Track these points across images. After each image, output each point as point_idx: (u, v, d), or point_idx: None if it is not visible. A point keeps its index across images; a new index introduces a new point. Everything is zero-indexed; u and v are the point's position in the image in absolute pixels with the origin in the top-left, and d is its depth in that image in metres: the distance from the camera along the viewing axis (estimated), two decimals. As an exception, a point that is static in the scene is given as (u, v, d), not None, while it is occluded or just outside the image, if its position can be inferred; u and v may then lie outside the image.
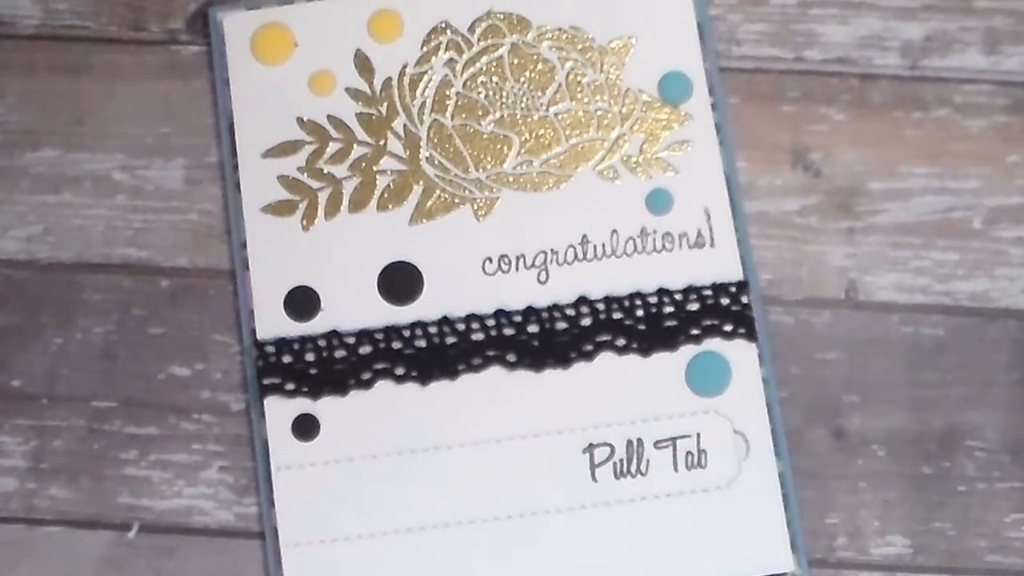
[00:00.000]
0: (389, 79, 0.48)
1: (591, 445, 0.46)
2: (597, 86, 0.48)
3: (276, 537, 0.46)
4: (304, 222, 0.47)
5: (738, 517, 0.46)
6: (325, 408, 0.46)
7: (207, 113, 0.49)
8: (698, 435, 0.46)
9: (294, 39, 0.48)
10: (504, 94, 0.48)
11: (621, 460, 0.46)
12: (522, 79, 0.48)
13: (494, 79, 0.48)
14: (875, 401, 0.47)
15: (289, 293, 0.46)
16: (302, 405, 0.46)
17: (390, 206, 0.47)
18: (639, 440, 0.46)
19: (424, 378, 0.46)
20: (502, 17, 0.48)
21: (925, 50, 0.49)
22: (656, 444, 0.46)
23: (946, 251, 0.48)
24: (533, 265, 0.47)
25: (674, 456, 0.46)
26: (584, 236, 0.48)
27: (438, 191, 0.48)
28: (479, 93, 0.48)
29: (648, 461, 0.46)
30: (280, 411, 0.46)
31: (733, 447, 0.47)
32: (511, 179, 0.48)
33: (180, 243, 0.48)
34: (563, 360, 0.46)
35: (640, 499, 0.46)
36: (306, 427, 0.46)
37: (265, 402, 0.46)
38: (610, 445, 0.46)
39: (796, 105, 0.49)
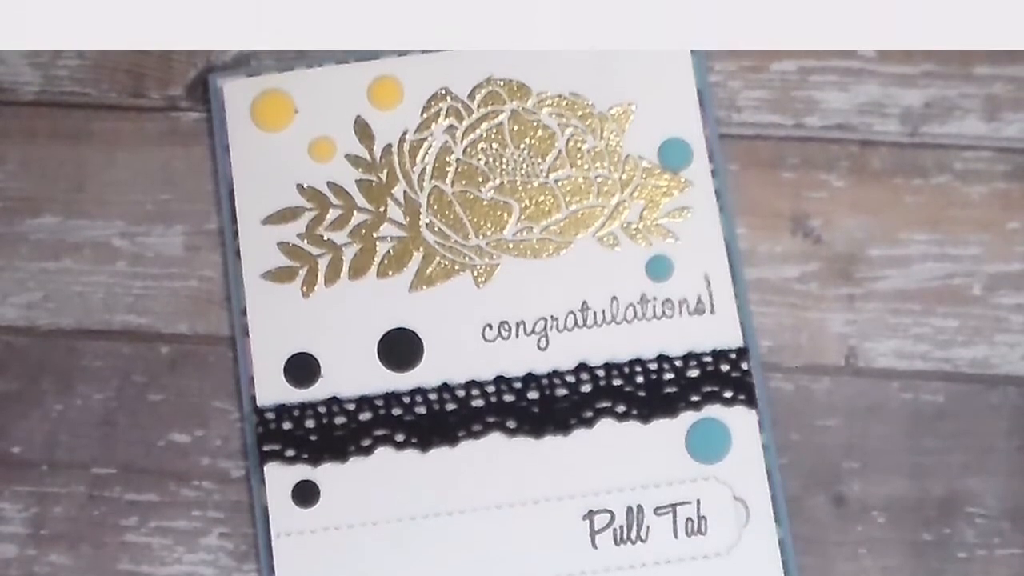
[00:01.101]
0: (389, 145, 0.65)
1: (591, 512, 0.62)
2: (597, 152, 0.65)
3: (277, 607, 0.61)
4: (304, 288, 0.64)
5: (737, 580, 0.62)
6: (325, 475, 0.62)
7: (207, 180, 0.65)
8: (698, 502, 0.62)
9: (294, 105, 0.65)
10: (504, 160, 0.65)
11: (621, 527, 0.62)
12: (522, 145, 0.65)
13: (494, 145, 0.65)
14: (875, 468, 0.63)
15: (289, 360, 0.63)
16: (302, 472, 0.62)
17: (390, 272, 0.64)
18: (639, 507, 0.62)
19: (424, 445, 0.62)
20: (502, 83, 0.65)
21: (925, 116, 0.66)
22: (656, 511, 0.62)
23: (946, 317, 0.64)
24: (533, 331, 0.63)
25: (674, 522, 0.62)
26: (584, 302, 0.64)
27: (438, 257, 0.64)
28: (479, 159, 0.65)
29: (648, 527, 0.62)
30: (280, 477, 0.62)
31: (733, 514, 0.62)
32: (511, 245, 0.64)
33: (180, 309, 0.64)
34: (563, 426, 0.63)
35: (640, 565, 0.62)
36: (306, 494, 0.62)
37: (265, 468, 0.62)
38: (610, 511, 0.62)
39: (796, 172, 0.66)
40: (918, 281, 0.65)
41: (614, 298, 0.64)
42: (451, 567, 0.61)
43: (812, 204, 0.65)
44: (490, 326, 0.64)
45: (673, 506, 0.62)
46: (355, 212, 0.64)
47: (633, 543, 0.62)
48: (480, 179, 0.64)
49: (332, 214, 0.64)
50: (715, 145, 0.65)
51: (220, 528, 0.62)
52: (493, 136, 0.65)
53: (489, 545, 0.61)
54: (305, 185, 0.64)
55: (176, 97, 0.66)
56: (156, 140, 0.65)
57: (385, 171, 0.65)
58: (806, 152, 0.66)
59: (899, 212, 0.65)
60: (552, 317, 0.64)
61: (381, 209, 0.64)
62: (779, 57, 0.66)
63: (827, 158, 0.66)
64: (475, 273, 0.64)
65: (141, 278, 0.65)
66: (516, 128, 0.65)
